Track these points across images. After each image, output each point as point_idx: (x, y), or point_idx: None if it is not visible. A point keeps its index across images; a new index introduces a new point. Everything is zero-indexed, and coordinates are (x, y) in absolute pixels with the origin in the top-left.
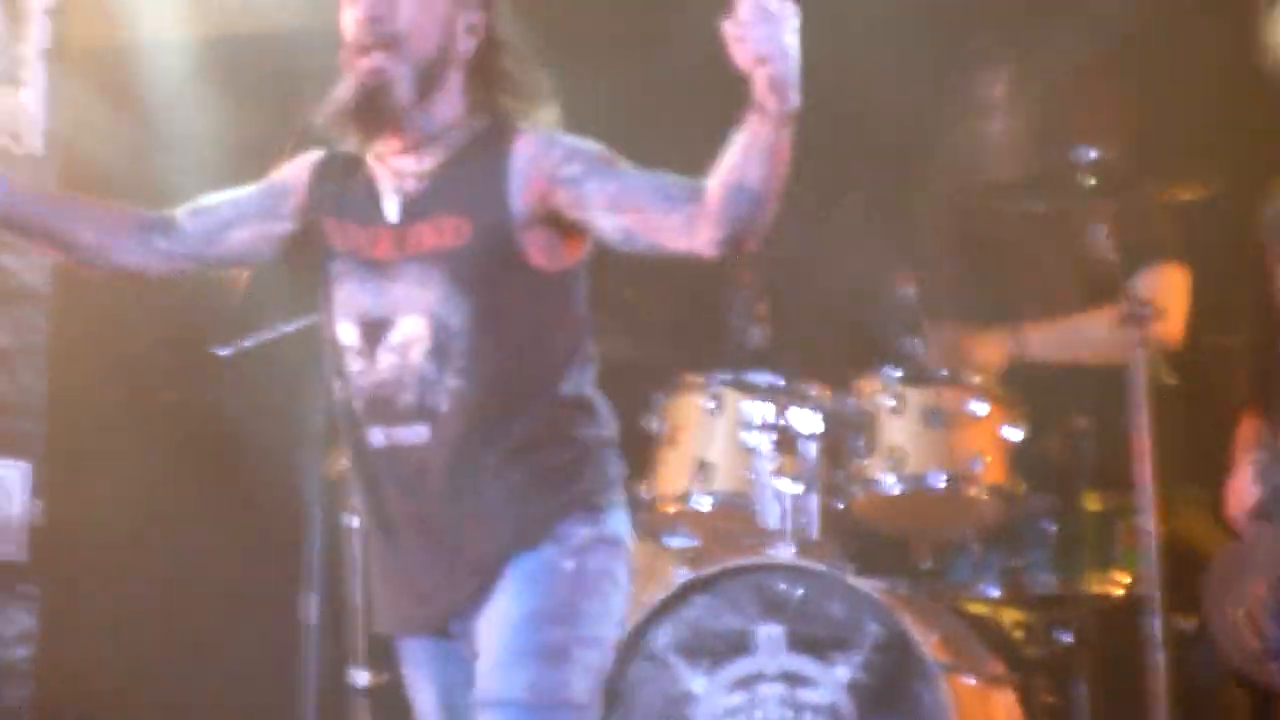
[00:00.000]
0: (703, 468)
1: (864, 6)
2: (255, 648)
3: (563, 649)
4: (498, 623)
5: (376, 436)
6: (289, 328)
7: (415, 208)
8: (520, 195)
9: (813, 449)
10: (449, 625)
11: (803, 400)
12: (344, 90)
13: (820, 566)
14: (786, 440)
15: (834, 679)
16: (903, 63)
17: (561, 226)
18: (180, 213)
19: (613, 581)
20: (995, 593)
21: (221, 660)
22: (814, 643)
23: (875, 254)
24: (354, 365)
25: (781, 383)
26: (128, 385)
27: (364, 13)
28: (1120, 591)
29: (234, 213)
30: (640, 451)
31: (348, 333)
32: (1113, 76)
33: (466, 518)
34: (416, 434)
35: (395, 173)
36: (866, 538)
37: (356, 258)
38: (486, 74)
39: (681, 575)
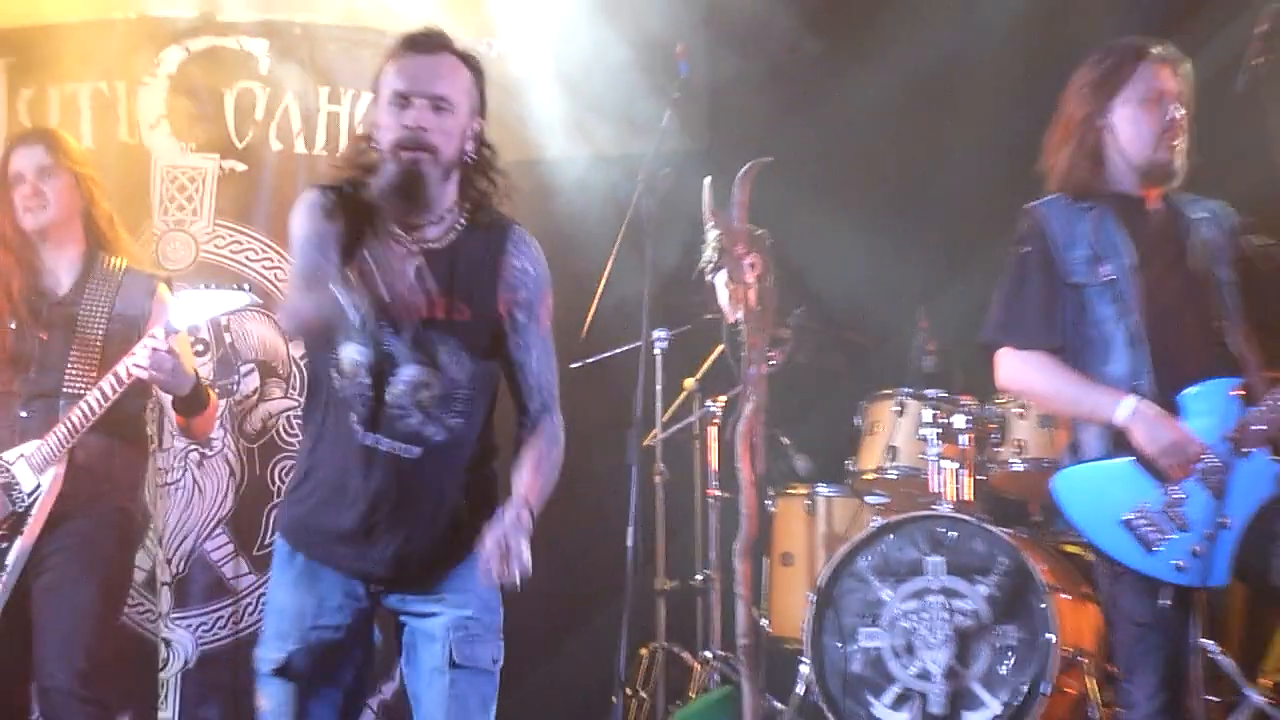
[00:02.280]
0: (891, 450)
1: None
2: (594, 564)
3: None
4: (472, 600)
5: (368, 438)
6: (615, 352)
7: (430, 280)
8: (500, 301)
9: (965, 439)
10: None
11: (959, 407)
12: (387, 176)
13: (969, 517)
14: (948, 433)
15: (977, 593)
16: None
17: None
18: None
19: None
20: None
21: (572, 573)
22: (964, 568)
23: None
24: (363, 378)
25: (945, 395)
26: None
27: (414, 124)
28: None
29: None
30: (850, 439)
31: (362, 354)
32: None
33: (437, 513)
34: (409, 451)
35: (414, 241)
36: (1000, 499)
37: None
38: (478, 168)
39: (876, 521)
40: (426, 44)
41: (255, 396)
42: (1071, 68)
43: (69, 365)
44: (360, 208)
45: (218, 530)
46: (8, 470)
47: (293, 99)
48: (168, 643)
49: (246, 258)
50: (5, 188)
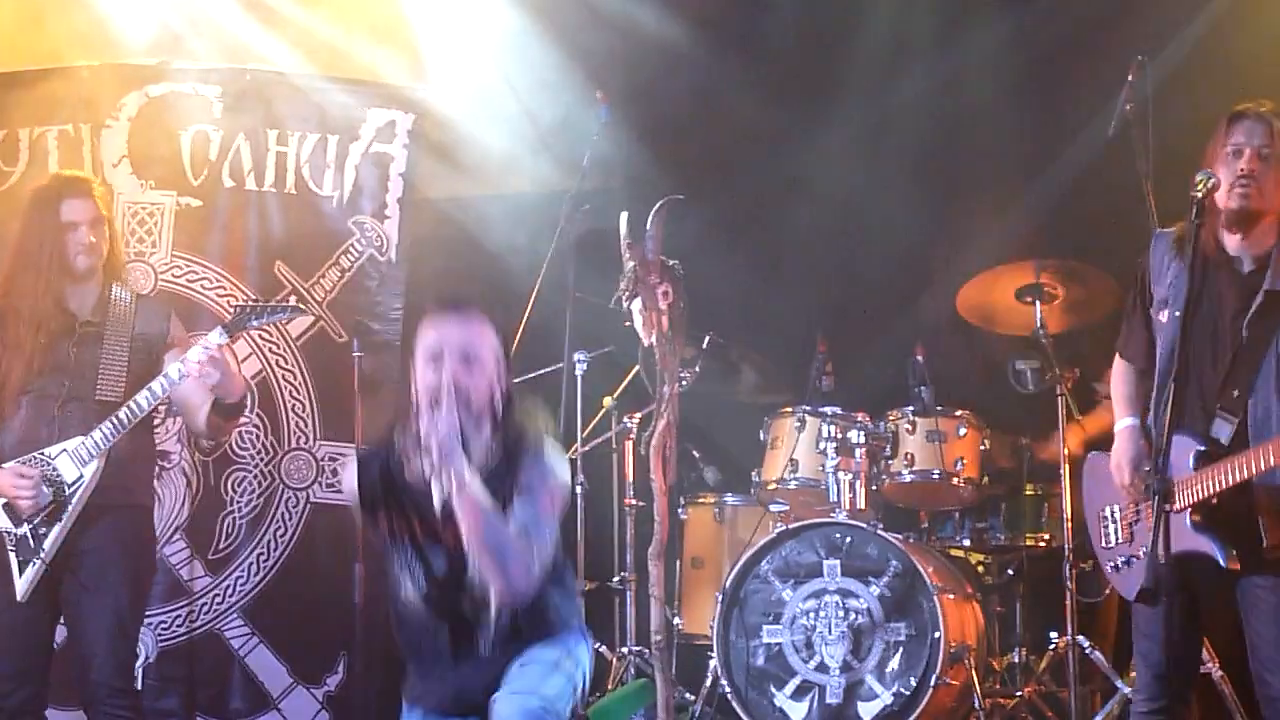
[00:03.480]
0: (792, 463)
1: None
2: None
3: None
4: None
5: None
6: (540, 372)
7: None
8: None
9: (860, 453)
10: None
11: (854, 423)
12: (429, 428)
13: (862, 524)
14: (844, 447)
15: (870, 594)
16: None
17: None
18: None
19: None
20: (967, 543)
21: None
22: (858, 571)
23: (904, 334)
24: (431, 605)
25: (841, 412)
26: None
27: (448, 380)
28: (1044, 544)
29: None
30: (755, 452)
31: (419, 587)
32: None
33: None
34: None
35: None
36: (891, 508)
37: (414, 540)
38: (509, 415)
39: (778, 528)
40: (456, 306)
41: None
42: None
43: (100, 374)
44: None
45: (175, 536)
46: (50, 463)
47: (244, 140)
48: None
49: (201, 286)
50: (59, 230)
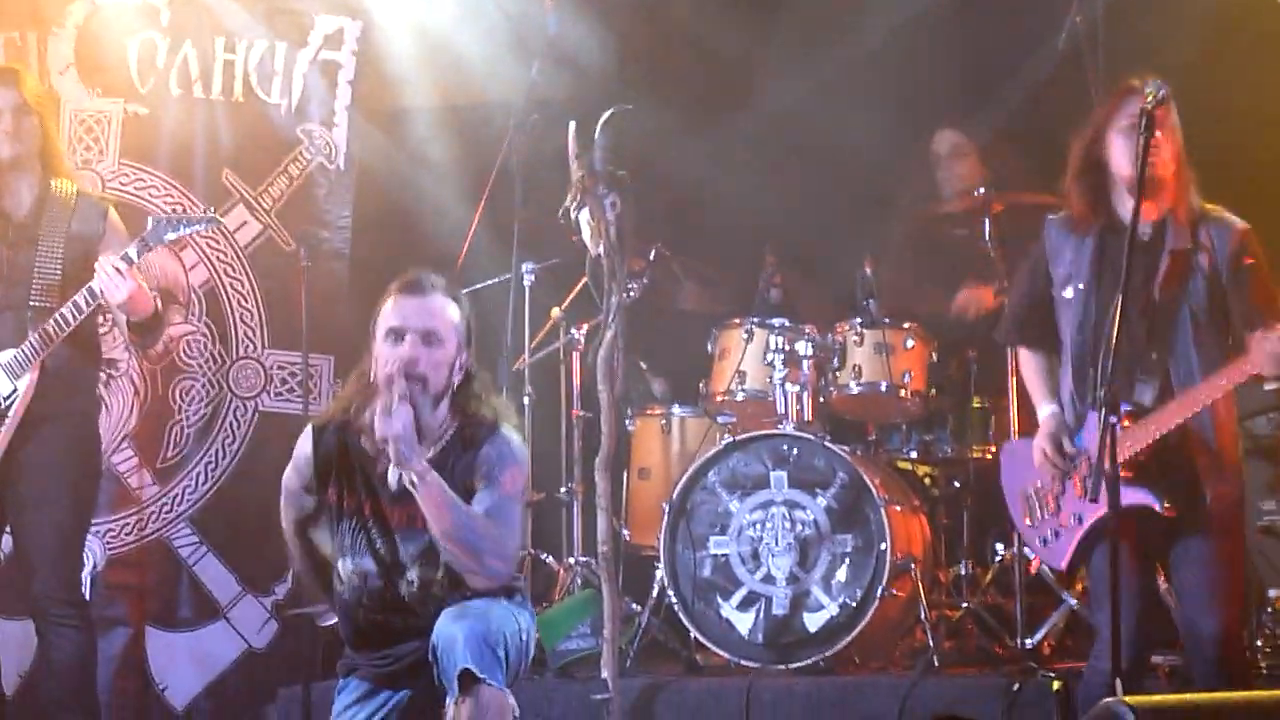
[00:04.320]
0: (740, 374)
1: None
2: None
3: None
4: None
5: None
6: (488, 283)
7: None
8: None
9: (807, 365)
10: None
11: (802, 335)
12: (383, 424)
13: (810, 435)
14: (792, 359)
15: (817, 505)
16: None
17: None
18: None
19: None
20: (914, 455)
21: None
22: (805, 482)
23: (851, 247)
24: (372, 584)
25: (789, 324)
26: None
27: (407, 356)
28: (990, 456)
29: None
30: (702, 364)
31: (361, 565)
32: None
33: None
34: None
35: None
36: (838, 420)
37: (361, 516)
38: (464, 392)
39: (725, 439)
40: (419, 286)
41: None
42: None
43: (34, 280)
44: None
45: (123, 445)
46: None
47: (191, 47)
48: None
49: (149, 194)
50: None
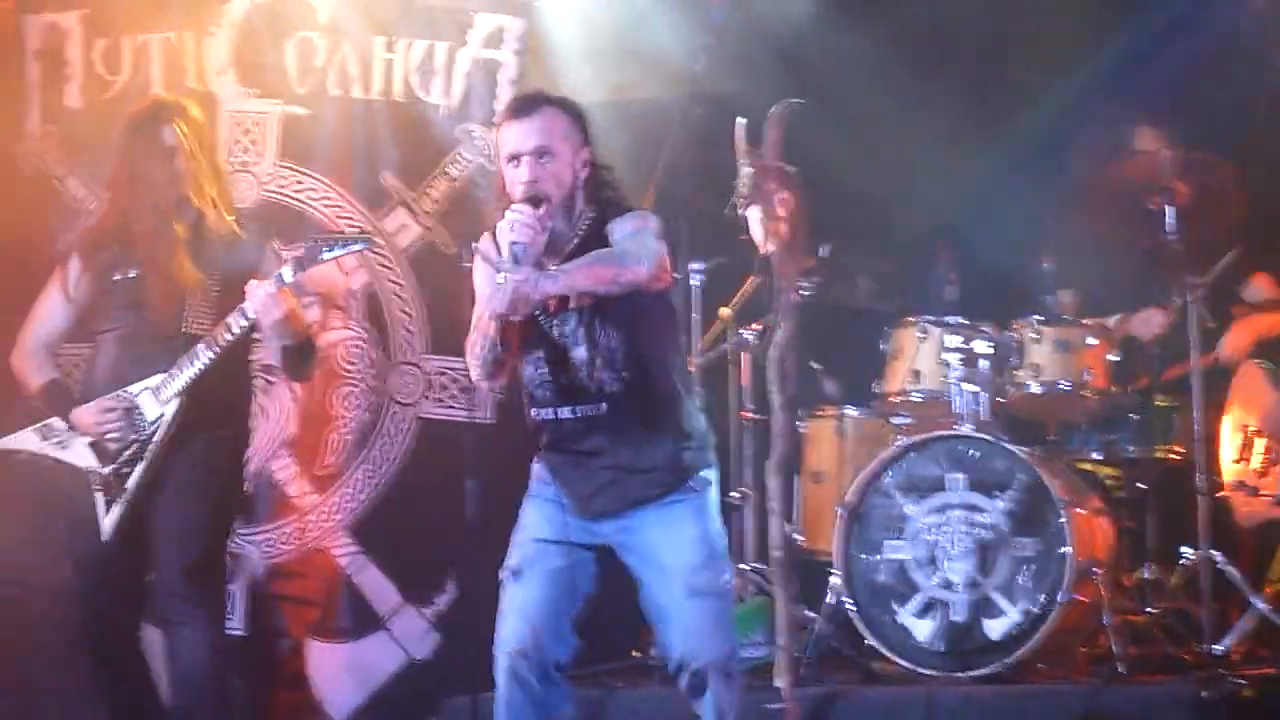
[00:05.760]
0: (915, 374)
1: None
2: None
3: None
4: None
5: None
6: None
7: None
8: None
9: (985, 364)
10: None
11: (980, 333)
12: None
13: (989, 436)
14: (969, 358)
15: (997, 508)
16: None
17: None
18: None
19: None
20: (1098, 456)
21: None
22: (984, 485)
23: (1030, 243)
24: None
25: (966, 322)
26: None
27: (527, 178)
28: (1176, 458)
29: None
30: (876, 363)
31: (539, 367)
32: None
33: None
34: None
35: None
36: (1016, 420)
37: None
38: (594, 184)
39: (901, 441)
40: (525, 108)
41: (316, 327)
42: None
43: (185, 310)
44: None
45: (281, 451)
46: (132, 400)
47: (350, 47)
48: (234, 557)
49: (308, 196)
50: (148, 158)
